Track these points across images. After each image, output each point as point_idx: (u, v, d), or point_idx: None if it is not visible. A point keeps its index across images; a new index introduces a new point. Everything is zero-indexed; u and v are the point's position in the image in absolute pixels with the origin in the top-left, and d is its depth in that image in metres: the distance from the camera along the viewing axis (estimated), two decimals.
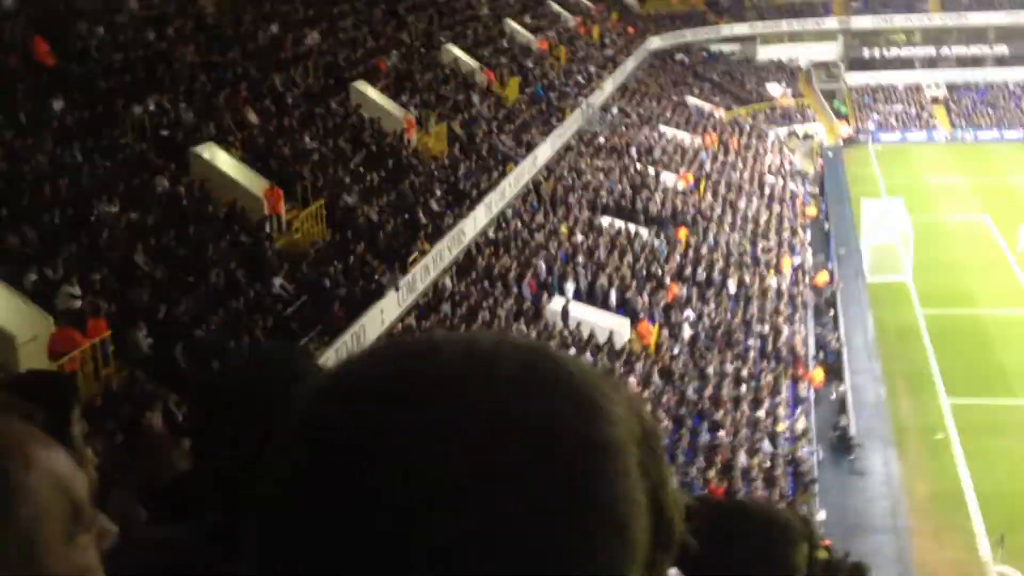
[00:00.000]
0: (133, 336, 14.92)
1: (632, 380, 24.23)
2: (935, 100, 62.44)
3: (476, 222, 27.07)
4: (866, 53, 65.61)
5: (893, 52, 65.62)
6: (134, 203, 18.09)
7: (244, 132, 23.09)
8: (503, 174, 29.84)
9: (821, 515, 22.48)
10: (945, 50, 64.67)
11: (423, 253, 23.03)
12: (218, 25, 27.57)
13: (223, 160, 21.34)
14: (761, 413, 25.75)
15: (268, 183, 21.13)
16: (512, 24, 44.90)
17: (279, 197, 20.85)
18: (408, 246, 22.72)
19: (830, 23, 65.20)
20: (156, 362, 14.78)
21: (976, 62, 64.06)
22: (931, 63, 64.82)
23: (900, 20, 64.88)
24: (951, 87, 63.19)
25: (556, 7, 52.26)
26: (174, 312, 15.86)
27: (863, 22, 65.00)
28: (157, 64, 23.33)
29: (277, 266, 18.98)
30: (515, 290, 26.08)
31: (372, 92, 29.31)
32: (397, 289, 20.95)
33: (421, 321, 22.47)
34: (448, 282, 24.77)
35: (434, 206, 25.50)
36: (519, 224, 29.82)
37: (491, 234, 28.35)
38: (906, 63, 65.15)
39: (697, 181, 40.06)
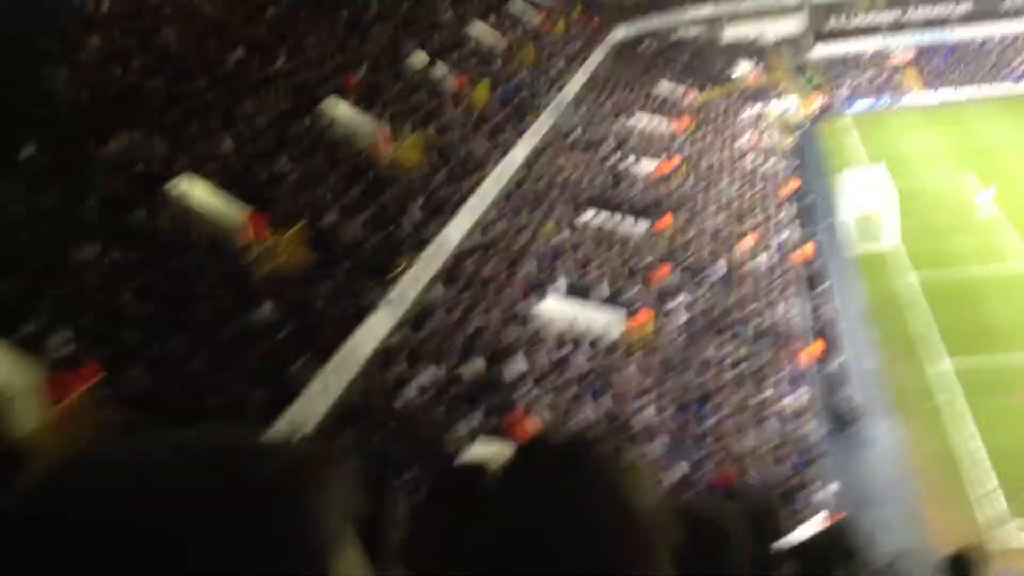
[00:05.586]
0: (128, 376, 14.75)
1: (632, 370, 24.15)
2: (905, 64, 62.61)
3: (459, 229, 26.94)
4: (832, 24, 65.75)
5: (858, 20, 65.77)
6: (114, 243, 17.90)
7: (219, 160, 22.89)
8: (481, 178, 29.71)
9: (833, 487, 22.44)
10: (910, 13, 64.85)
11: (409, 265, 22.87)
12: (182, 55, 27.31)
13: (200, 190, 21.13)
14: (763, 393, 25.71)
15: (249, 209, 20.94)
16: (477, 26, 44.76)
17: (263, 222, 20.66)
18: (393, 259, 22.57)
19: None
20: (153, 401, 14.60)
21: (942, 22, 64.26)
22: (897, 27, 65.00)
23: None
24: (919, 49, 63.37)
25: (520, 4, 52.14)
26: (166, 349, 15.69)
27: None
28: (125, 100, 23.11)
29: (265, 293, 18.80)
30: (505, 292, 25.97)
31: (343, 108, 29.12)
32: (388, 303, 20.80)
33: (415, 332, 22.34)
34: (437, 291, 24.63)
35: (415, 217, 25.36)
36: (503, 227, 29.70)
37: (476, 239, 28.22)
38: (872, 30, 65.32)
39: (678, 166, 40.04)
